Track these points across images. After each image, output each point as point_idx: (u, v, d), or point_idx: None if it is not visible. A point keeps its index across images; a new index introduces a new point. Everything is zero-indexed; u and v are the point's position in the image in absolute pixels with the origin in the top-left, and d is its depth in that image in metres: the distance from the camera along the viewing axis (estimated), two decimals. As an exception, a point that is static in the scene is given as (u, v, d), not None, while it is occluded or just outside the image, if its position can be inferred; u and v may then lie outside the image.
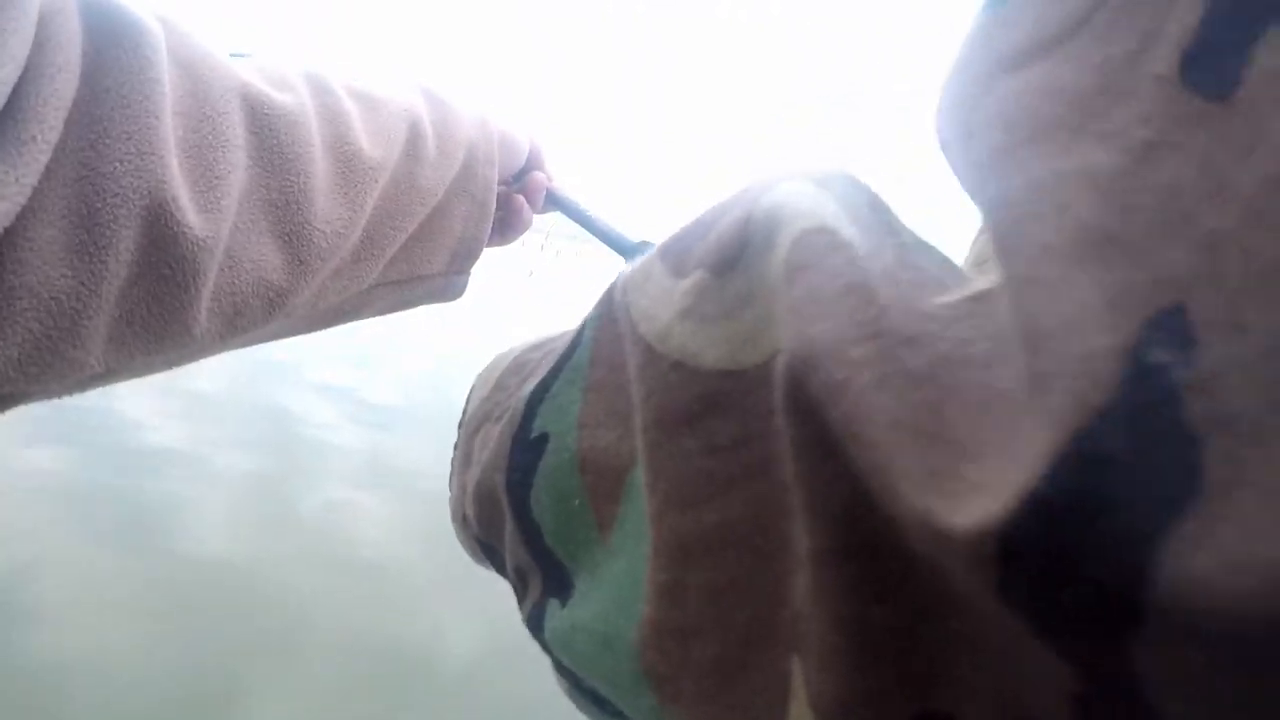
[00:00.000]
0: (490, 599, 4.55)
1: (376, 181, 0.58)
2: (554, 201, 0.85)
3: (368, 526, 5.29)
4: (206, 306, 0.48)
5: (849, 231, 0.25)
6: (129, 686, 3.15)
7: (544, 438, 0.35)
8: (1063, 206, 0.18)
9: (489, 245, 0.79)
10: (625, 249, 0.81)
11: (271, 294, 0.52)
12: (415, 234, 0.66)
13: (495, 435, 0.39)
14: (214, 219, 0.46)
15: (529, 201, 0.82)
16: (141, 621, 3.63)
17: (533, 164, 0.82)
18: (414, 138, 0.63)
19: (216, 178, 0.47)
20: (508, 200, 0.80)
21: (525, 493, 0.36)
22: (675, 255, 0.31)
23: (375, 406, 7.76)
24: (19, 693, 3.02)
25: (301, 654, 3.61)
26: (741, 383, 0.26)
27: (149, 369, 0.50)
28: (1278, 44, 0.16)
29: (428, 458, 6.76)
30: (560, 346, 0.38)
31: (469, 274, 0.76)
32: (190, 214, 0.45)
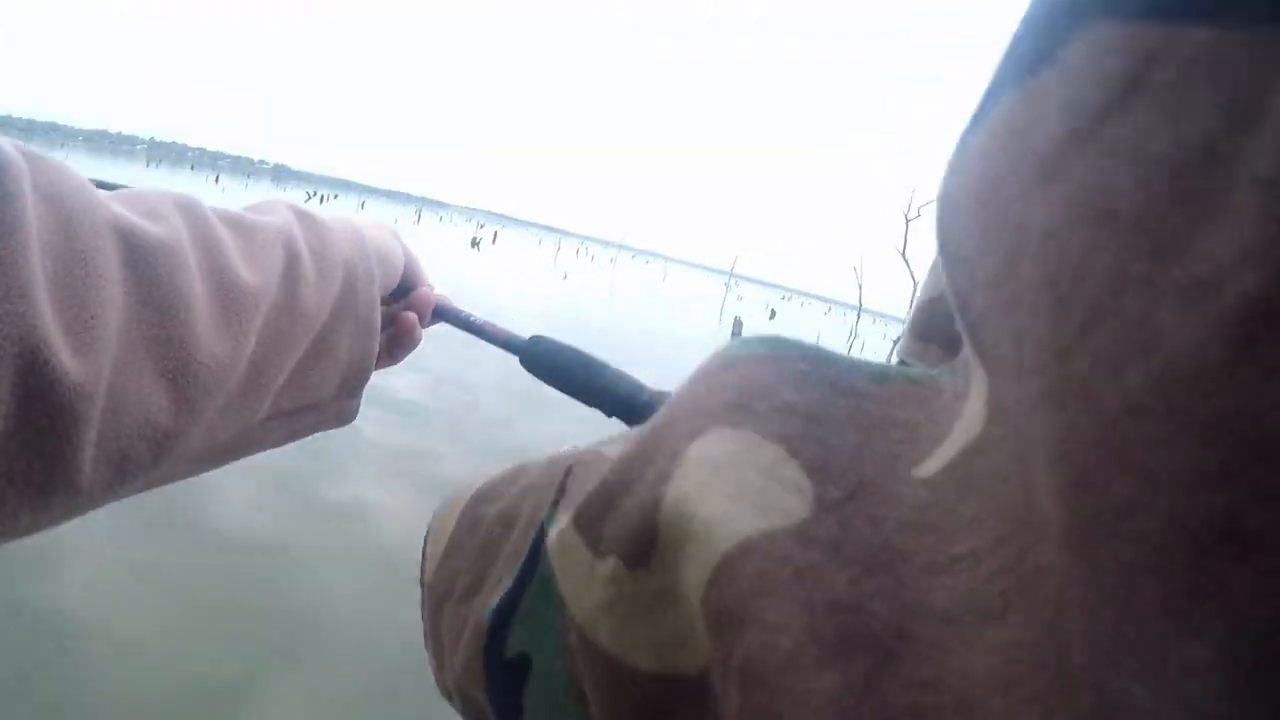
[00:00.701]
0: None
1: (258, 309, 0.56)
2: (442, 314, 0.85)
3: (392, 520, 5.36)
4: (90, 456, 0.44)
5: (774, 494, 0.23)
6: (153, 667, 3.23)
7: (526, 661, 0.33)
8: None
9: (384, 364, 0.79)
10: (518, 348, 0.82)
11: (159, 437, 0.49)
12: (302, 361, 0.63)
13: (463, 640, 0.37)
14: (92, 361, 0.43)
15: (418, 316, 0.81)
16: (167, 604, 3.71)
17: (411, 278, 0.81)
18: (292, 261, 0.61)
19: (93, 317, 0.44)
20: (396, 318, 0.79)
21: (517, 715, 0.33)
22: (589, 525, 0.29)
23: (404, 402, 7.85)
24: (47, 669, 3.09)
25: (321, 641, 3.68)
26: (682, 693, 0.25)
27: (34, 528, 0.46)
28: None
29: (453, 454, 6.84)
30: (516, 546, 0.36)
31: (360, 397, 0.74)
32: (66, 358, 0.42)
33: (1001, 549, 0.18)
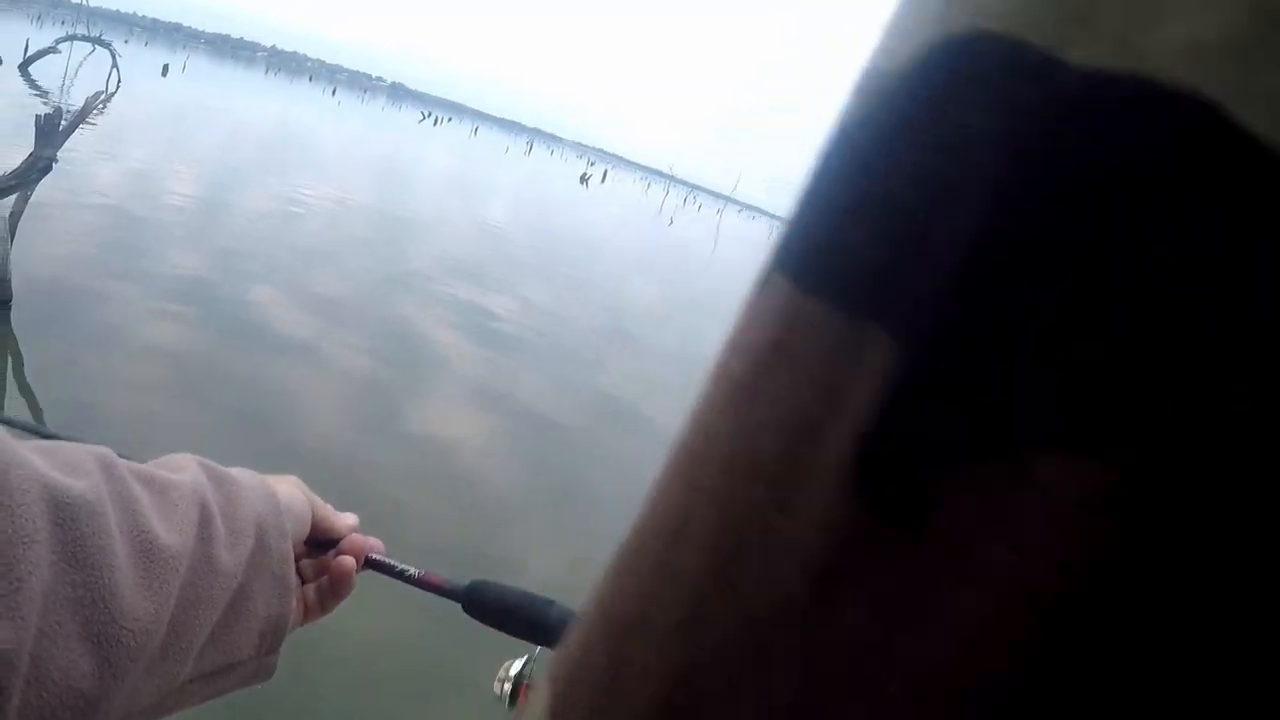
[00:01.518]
0: (581, 528, 4.67)
1: (177, 570, 0.54)
2: (374, 566, 0.82)
3: (470, 444, 5.45)
4: None
5: None
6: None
7: None
8: None
9: (315, 617, 0.77)
10: (459, 595, 0.81)
11: (82, 704, 0.47)
12: (221, 620, 0.62)
13: None
14: (16, 626, 0.42)
15: (352, 561, 0.78)
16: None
17: (327, 528, 0.78)
18: (206, 519, 0.60)
19: (18, 579, 0.42)
20: (329, 567, 0.77)
21: None
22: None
23: (494, 330, 7.95)
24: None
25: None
26: None
27: None
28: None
29: (538, 385, 6.91)
30: None
31: (278, 652, 0.70)
32: None
33: None
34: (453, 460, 5.10)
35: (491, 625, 0.80)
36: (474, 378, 6.39)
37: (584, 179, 48.21)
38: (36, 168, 4.74)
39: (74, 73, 22.31)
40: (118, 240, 7.27)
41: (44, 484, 0.46)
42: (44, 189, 5.55)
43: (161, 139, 13.97)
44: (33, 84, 18.36)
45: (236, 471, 0.69)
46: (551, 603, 0.80)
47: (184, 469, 0.63)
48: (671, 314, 12.70)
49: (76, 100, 10.03)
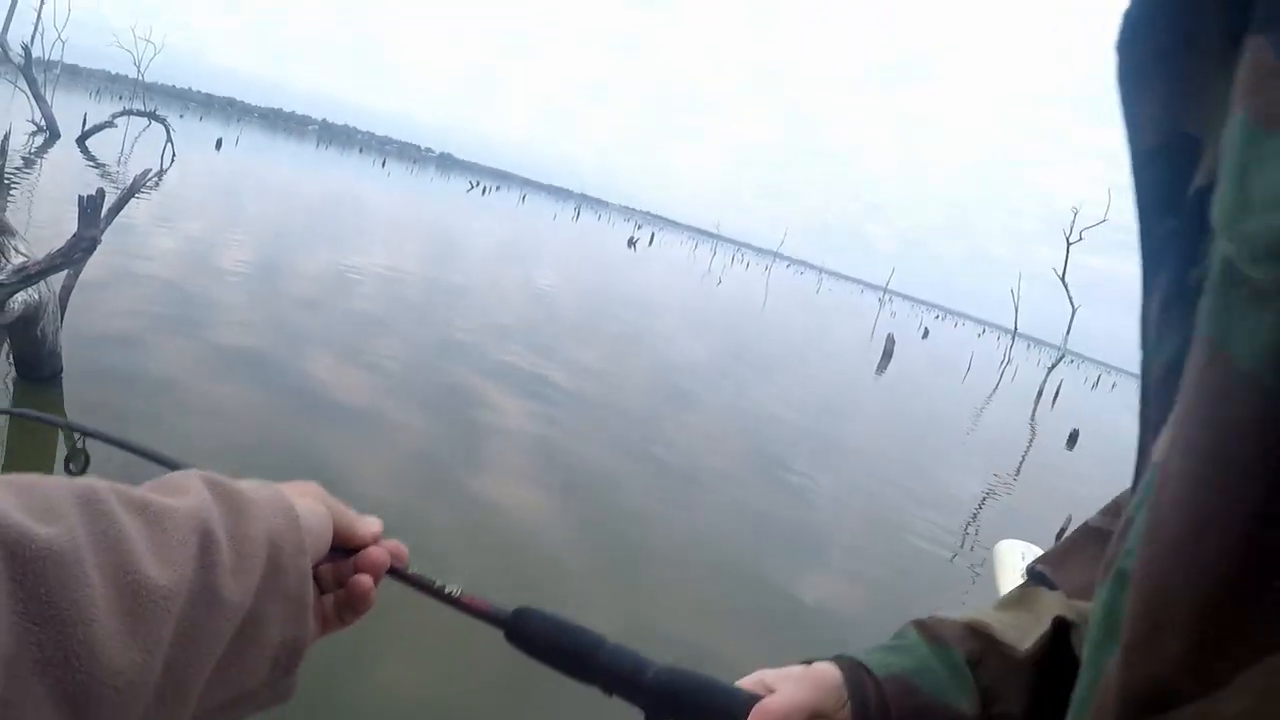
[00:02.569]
0: (636, 595, 4.62)
1: (170, 610, 0.50)
2: (400, 577, 0.78)
3: (524, 509, 5.44)
4: None
5: None
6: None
7: None
8: None
9: (334, 629, 0.73)
10: (502, 622, 0.77)
11: None
12: (228, 654, 0.57)
13: None
14: None
15: (371, 577, 0.75)
16: None
17: (349, 536, 0.74)
18: (207, 547, 0.55)
19: None
20: (346, 581, 0.74)
21: None
22: None
23: (546, 392, 7.98)
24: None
25: (437, 618, 3.72)
26: None
27: None
28: None
29: (592, 451, 6.90)
30: None
31: (297, 671, 0.67)
32: None
33: None
34: (506, 521, 5.09)
35: (537, 658, 0.76)
36: (528, 439, 6.39)
37: (632, 242, 48.55)
38: (80, 248, 4.83)
39: (130, 146, 22.94)
40: (172, 310, 7.37)
41: (3, 535, 0.42)
42: (98, 261, 5.65)
43: (216, 210, 14.30)
44: (90, 157, 18.89)
45: (249, 485, 0.65)
46: (604, 640, 0.75)
47: (187, 491, 0.59)
48: (725, 371, 12.68)
49: (132, 173, 10.27)
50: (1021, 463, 12.66)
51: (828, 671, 0.70)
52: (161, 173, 18.10)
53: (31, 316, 4.76)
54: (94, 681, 0.44)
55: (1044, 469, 12.79)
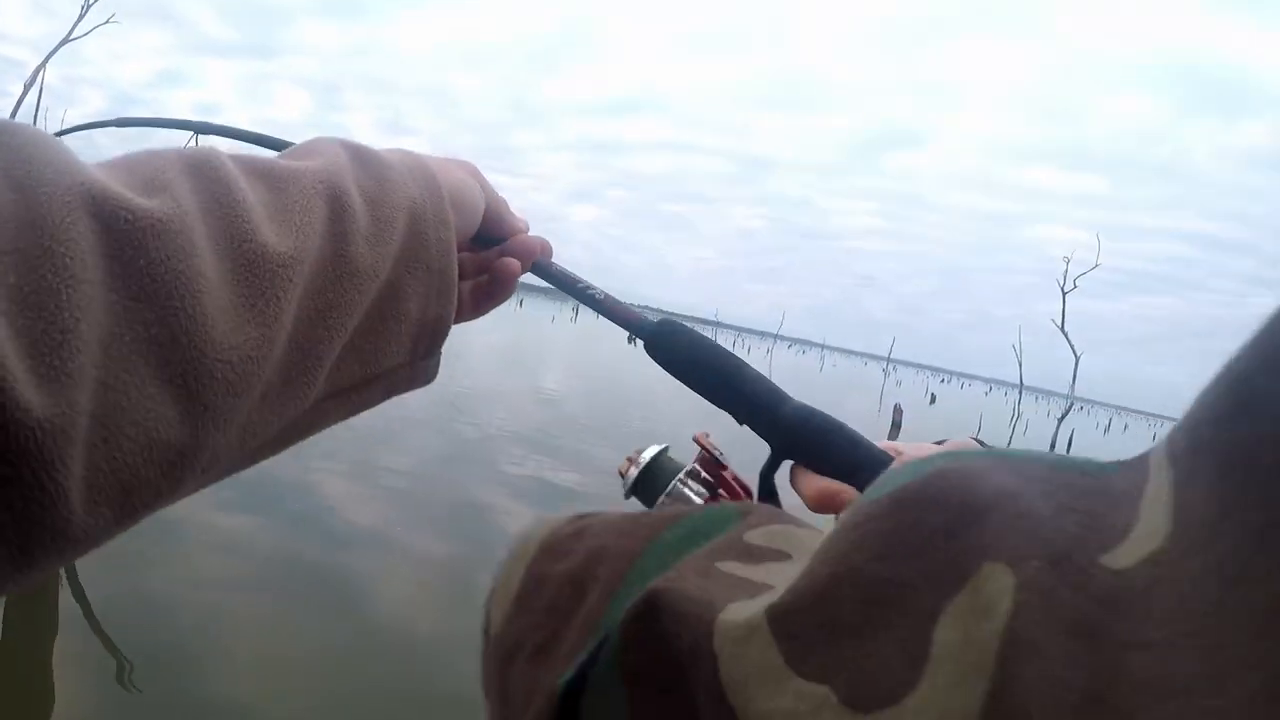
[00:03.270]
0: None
1: (291, 280, 0.47)
2: (543, 272, 0.75)
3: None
4: (81, 498, 0.37)
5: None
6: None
7: None
8: None
9: (467, 317, 0.70)
10: (645, 331, 0.74)
11: (171, 456, 0.42)
12: (362, 327, 0.55)
13: (534, 705, 0.36)
14: (63, 389, 0.36)
15: (518, 264, 0.72)
16: (313, 680, 3.77)
17: (498, 224, 0.71)
18: (338, 212, 0.52)
19: (62, 331, 0.36)
20: (492, 265, 0.71)
21: None
22: (795, 637, 0.28)
23: (560, 495, 7.93)
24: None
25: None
26: None
27: (23, 583, 0.39)
28: None
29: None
30: (589, 615, 0.37)
31: (439, 355, 0.64)
32: (26, 390, 0.34)
33: (1196, 639, 0.21)
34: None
35: (674, 373, 0.73)
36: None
37: (632, 339, 48.63)
38: None
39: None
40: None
41: (97, 204, 0.39)
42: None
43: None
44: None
45: (392, 152, 0.61)
46: (746, 364, 0.72)
47: (321, 154, 0.56)
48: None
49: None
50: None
51: (970, 443, 0.67)
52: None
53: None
54: (204, 358, 0.42)
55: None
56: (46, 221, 0.37)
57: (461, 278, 0.65)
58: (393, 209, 0.56)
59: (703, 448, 0.74)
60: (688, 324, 0.75)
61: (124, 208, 0.40)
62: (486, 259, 0.71)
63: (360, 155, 0.57)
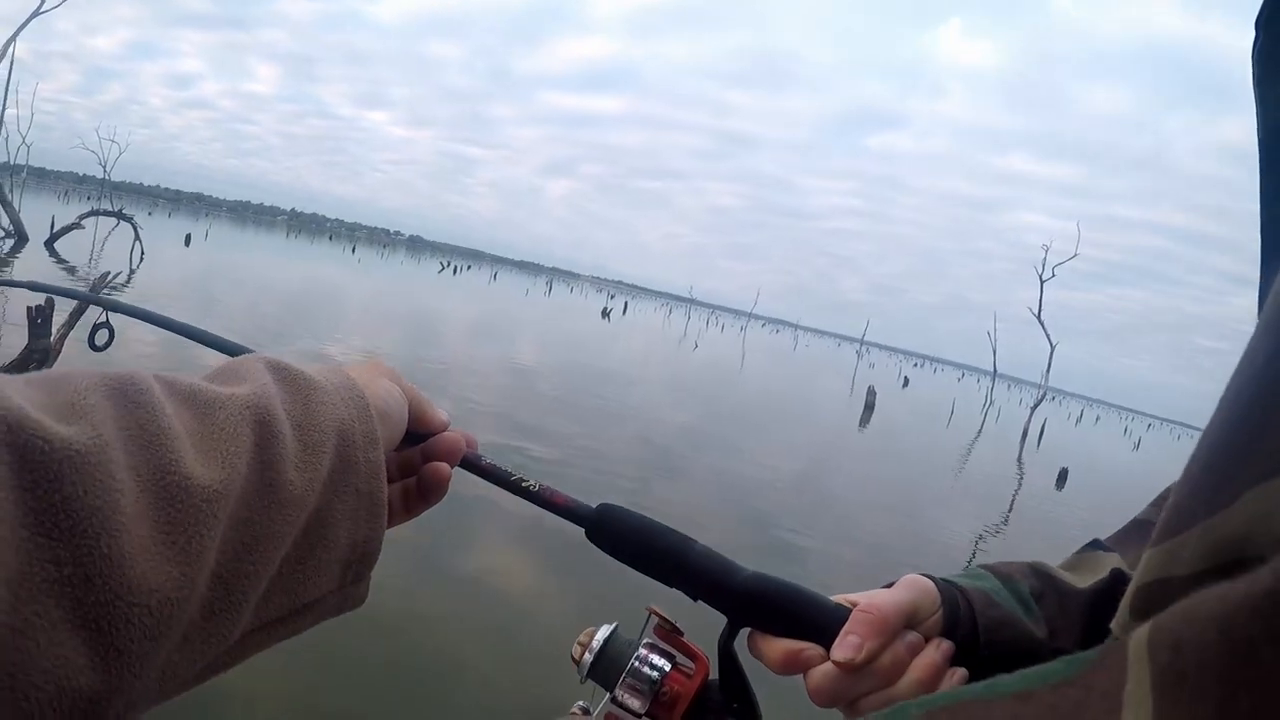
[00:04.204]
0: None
1: (215, 515, 0.44)
2: (472, 467, 0.73)
3: (522, 588, 5.38)
4: None
5: None
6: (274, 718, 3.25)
7: None
8: None
9: (399, 521, 0.67)
10: (583, 518, 0.73)
11: (83, 705, 0.38)
12: (290, 557, 0.52)
13: None
14: None
15: (446, 469, 0.69)
16: (295, 660, 3.75)
17: (423, 422, 0.69)
18: (266, 439, 0.50)
19: None
20: (419, 468, 0.69)
21: None
22: None
23: (532, 467, 7.92)
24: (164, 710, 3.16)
25: (447, 706, 3.68)
26: None
27: None
28: None
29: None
30: None
31: (369, 578, 0.61)
32: None
33: None
34: (505, 601, 5.03)
35: (620, 559, 0.71)
36: (515, 517, 6.34)
37: (605, 313, 48.75)
38: (32, 360, 4.84)
39: (100, 246, 22.91)
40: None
41: (12, 437, 0.36)
42: (75, 355, 5.62)
43: (190, 307, 14.20)
44: (60, 259, 18.83)
45: (316, 370, 0.59)
46: (692, 542, 0.70)
47: (246, 377, 0.53)
48: (708, 434, 12.65)
49: (103, 272, 10.24)
50: (1011, 506, 12.63)
51: (920, 579, 0.69)
52: (131, 272, 18.06)
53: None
54: (120, 601, 0.39)
55: (1035, 510, 12.74)
56: None
57: (389, 481, 0.62)
58: (321, 433, 0.53)
59: (659, 618, 0.72)
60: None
61: (40, 436, 0.37)
62: (412, 459, 0.70)
63: (286, 377, 0.55)
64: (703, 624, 0.74)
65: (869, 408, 21.36)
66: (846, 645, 0.63)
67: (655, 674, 0.69)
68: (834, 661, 0.63)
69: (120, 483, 0.40)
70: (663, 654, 0.71)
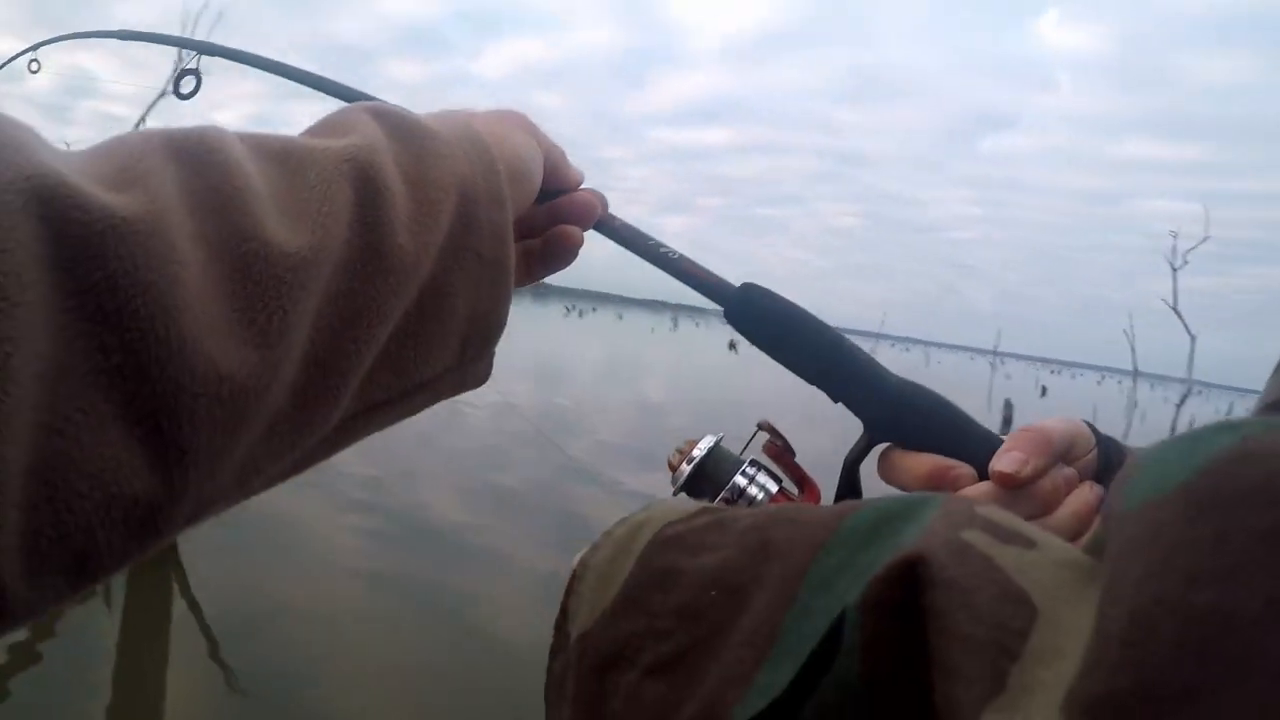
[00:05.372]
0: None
1: (305, 287, 0.39)
2: (609, 231, 0.65)
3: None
4: (17, 571, 0.31)
5: None
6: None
7: None
8: None
9: (521, 285, 0.59)
10: (724, 296, 0.65)
11: (140, 513, 0.34)
12: (399, 332, 0.46)
13: None
14: None
15: (579, 224, 0.62)
16: (420, 687, 3.82)
17: (558, 179, 0.61)
18: (369, 197, 0.43)
19: None
20: (547, 229, 0.62)
21: None
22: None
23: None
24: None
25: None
26: None
27: None
28: None
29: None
30: (765, 627, 0.30)
31: (492, 354, 0.55)
32: None
33: None
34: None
35: (759, 344, 0.64)
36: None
37: (733, 345, 48.47)
38: None
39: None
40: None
41: (45, 209, 0.31)
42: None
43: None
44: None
45: (435, 118, 0.51)
46: (841, 336, 0.63)
47: (350, 129, 0.46)
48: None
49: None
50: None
51: (1076, 419, 0.61)
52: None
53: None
54: (182, 393, 0.34)
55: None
56: None
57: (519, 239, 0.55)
58: (439, 189, 0.46)
59: (770, 434, 0.65)
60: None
61: (78, 206, 0.32)
62: (535, 217, 0.62)
63: (399, 126, 0.48)
64: (815, 453, 0.67)
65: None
66: (1010, 459, 0.55)
67: (760, 494, 0.61)
68: (996, 473, 0.56)
69: (182, 254, 0.34)
70: (770, 475, 0.63)
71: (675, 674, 0.31)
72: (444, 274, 0.47)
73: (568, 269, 0.65)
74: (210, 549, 5.14)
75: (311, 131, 0.47)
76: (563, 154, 0.60)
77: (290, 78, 0.75)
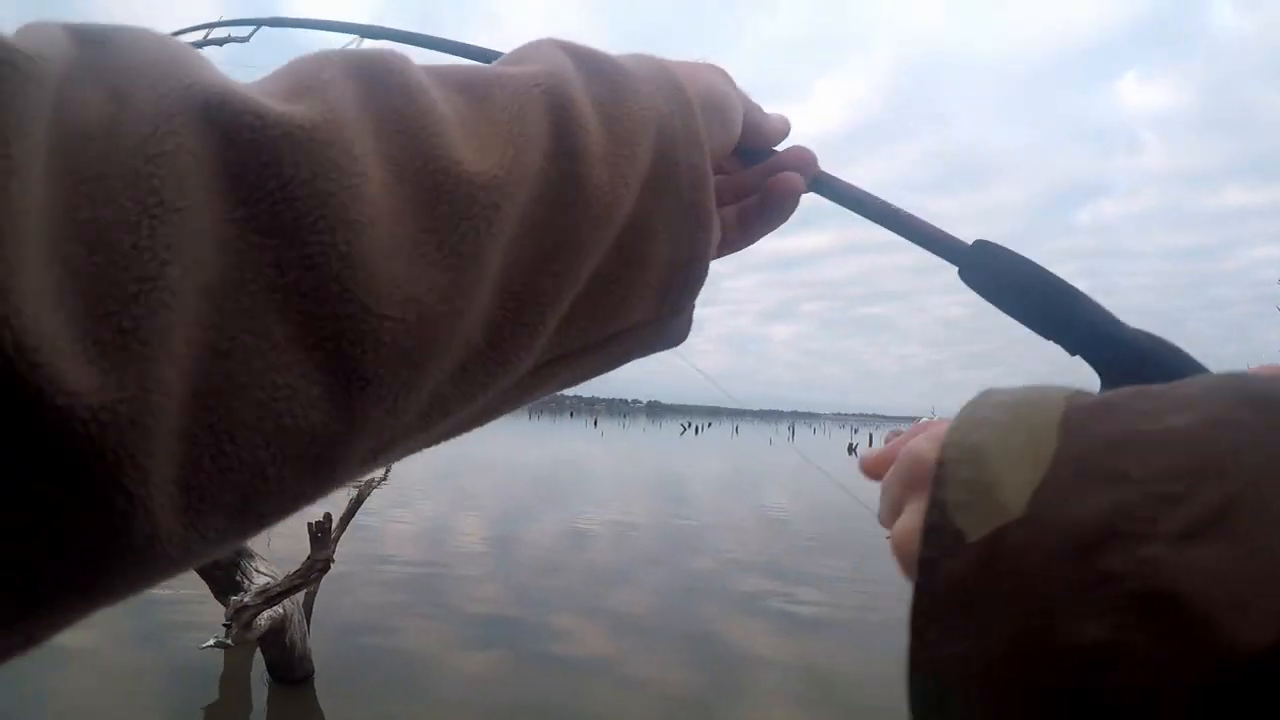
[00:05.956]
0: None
1: (499, 208, 0.35)
2: (826, 189, 0.59)
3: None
4: (172, 508, 0.27)
5: None
6: None
7: None
8: None
9: (736, 247, 0.56)
10: (956, 254, 0.61)
11: (315, 449, 0.31)
12: (600, 274, 0.42)
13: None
14: (131, 360, 0.26)
15: (799, 179, 0.55)
16: None
17: (759, 133, 0.55)
18: (565, 124, 0.40)
19: (138, 280, 0.26)
20: (765, 184, 0.55)
21: None
22: None
23: (801, 617, 7.75)
24: None
25: None
26: None
27: (87, 613, 0.29)
28: None
29: (858, 666, 6.61)
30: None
31: (692, 308, 0.51)
32: (72, 366, 0.24)
33: None
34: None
35: (996, 301, 0.61)
36: (790, 668, 6.18)
37: (851, 449, 47.86)
38: (315, 569, 5.20)
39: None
40: (414, 591, 7.68)
41: (212, 114, 0.29)
42: (340, 556, 5.96)
43: (444, 492, 14.86)
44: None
45: (627, 57, 0.47)
46: (1075, 290, 0.59)
47: (534, 58, 0.43)
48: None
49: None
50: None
51: None
52: (378, 483, 19.00)
53: (279, 628, 5.11)
54: (368, 315, 0.31)
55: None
56: (136, 134, 0.28)
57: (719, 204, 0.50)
58: (636, 123, 0.43)
59: None
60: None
61: (249, 111, 0.30)
62: (746, 179, 0.56)
63: (588, 60, 0.44)
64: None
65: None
66: None
67: None
68: None
69: (364, 167, 0.32)
70: None
71: (1212, 536, 0.25)
72: (644, 215, 0.43)
73: (680, 387, 0.62)
74: (346, 695, 5.19)
75: (502, 59, 0.45)
76: (760, 109, 0.55)
77: (436, 49, 0.73)
